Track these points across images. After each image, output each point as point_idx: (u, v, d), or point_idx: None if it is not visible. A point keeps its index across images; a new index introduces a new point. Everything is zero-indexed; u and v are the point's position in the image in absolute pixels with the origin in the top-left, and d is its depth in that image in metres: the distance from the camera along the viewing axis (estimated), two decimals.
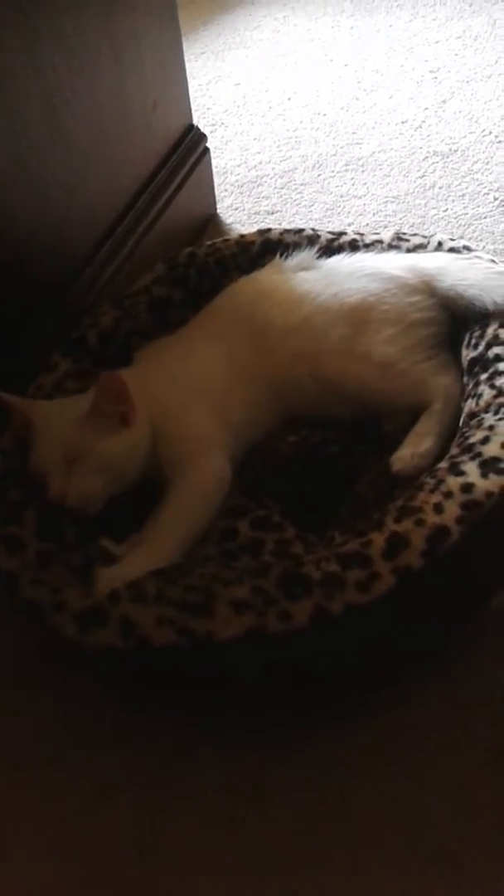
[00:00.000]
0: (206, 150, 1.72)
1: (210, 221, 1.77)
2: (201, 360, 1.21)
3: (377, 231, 1.36)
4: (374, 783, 0.96)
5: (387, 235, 1.33)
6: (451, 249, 1.28)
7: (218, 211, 1.80)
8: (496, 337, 1.14)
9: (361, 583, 0.90)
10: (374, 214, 1.74)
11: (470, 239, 1.65)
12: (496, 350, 1.12)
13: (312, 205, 1.79)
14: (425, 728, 0.99)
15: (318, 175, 1.86)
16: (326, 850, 0.92)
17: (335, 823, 0.94)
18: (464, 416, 1.11)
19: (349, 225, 1.70)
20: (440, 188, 1.78)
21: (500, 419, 1.03)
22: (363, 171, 1.86)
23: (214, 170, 1.79)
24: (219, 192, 1.82)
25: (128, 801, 0.98)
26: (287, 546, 1.08)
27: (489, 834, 0.91)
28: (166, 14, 1.50)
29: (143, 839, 0.95)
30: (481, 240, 1.65)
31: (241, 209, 1.80)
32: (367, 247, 1.32)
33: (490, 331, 1.15)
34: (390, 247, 1.31)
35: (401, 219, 1.72)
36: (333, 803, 0.95)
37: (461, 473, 0.97)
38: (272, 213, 1.78)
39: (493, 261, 1.23)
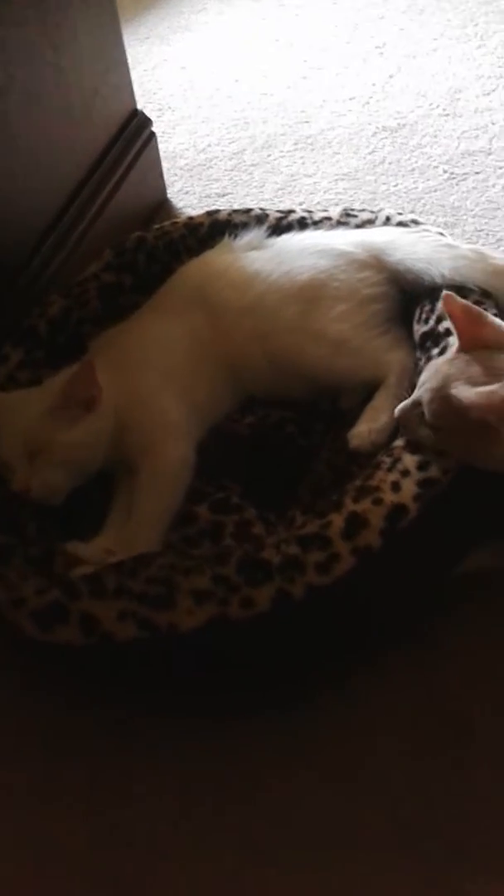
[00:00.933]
0: (153, 135, 1.70)
1: (161, 207, 1.75)
2: (162, 341, 1.20)
3: (326, 208, 1.35)
4: (350, 757, 0.96)
5: (335, 212, 1.33)
6: (400, 223, 1.27)
7: (168, 196, 1.78)
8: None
9: (321, 564, 0.90)
10: (324, 192, 1.73)
11: (421, 213, 1.65)
12: (446, 324, 1.12)
13: (263, 185, 1.77)
14: (400, 697, 0.99)
15: (268, 155, 1.85)
16: (306, 830, 0.92)
17: (309, 800, 0.94)
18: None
19: (300, 204, 1.69)
20: (390, 163, 1.78)
21: None
22: (312, 150, 1.85)
23: (163, 154, 1.77)
24: (168, 176, 1.80)
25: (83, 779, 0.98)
26: (248, 528, 1.08)
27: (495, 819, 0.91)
28: (104, 0, 1.48)
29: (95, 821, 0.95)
30: (432, 213, 1.64)
31: (191, 193, 1.78)
32: (316, 224, 1.31)
33: (439, 305, 1.15)
34: (339, 223, 1.31)
35: (352, 196, 1.71)
36: (311, 782, 0.95)
37: (418, 452, 0.97)
38: (223, 196, 1.76)
39: (441, 233, 1.23)
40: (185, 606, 0.90)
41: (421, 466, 0.95)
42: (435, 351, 1.11)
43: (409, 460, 0.96)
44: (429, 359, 1.12)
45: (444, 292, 1.01)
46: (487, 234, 1.59)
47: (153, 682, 1.01)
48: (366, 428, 1.11)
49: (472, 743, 0.96)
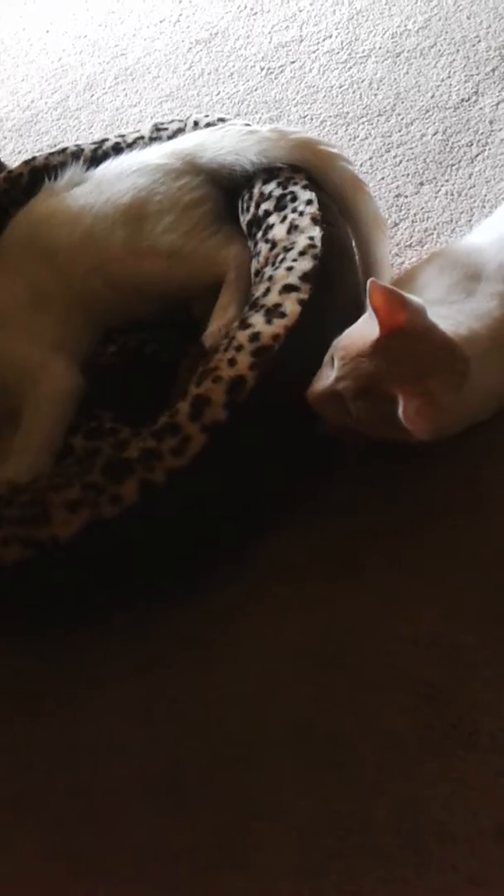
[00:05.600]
0: None
1: None
2: (6, 299, 1.22)
3: (137, 129, 1.37)
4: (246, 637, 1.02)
5: (146, 129, 1.35)
6: (208, 125, 1.30)
7: (2, 159, 1.77)
8: (262, 194, 1.17)
9: (175, 448, 0.95)
10: (152, 118, 1.74)
11: (246, 114, 1.67)
12: (264, 206, 1.16)
13: (91, 126, 1.78)
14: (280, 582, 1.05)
15: (91, 96, 1.85)
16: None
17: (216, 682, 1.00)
18: (252, 277, 1.15)
19: None
20: (209, 74, 1.79)
21: (276, 268, 1.07)
22: (133, 80, 1.85)
23: None
24: None
25: None
26: (125, 448, 1.12)
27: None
28: None
29: None
30: (257, 111, 1.66)
31: (24, 151, 1.78)
32: (131, 146, 1.33)
33: (256, 190, 1.18)
34: (151, 140, 1.33)
35: (178, 114, 1.71)
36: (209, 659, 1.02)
37: (248, 326, 1.02)
38: (55, 146, 1.76)
39: (246, 125, 1.25)
40: (60, 518, 0.95)
41: (252, 338, 0.99)
42: (259, 235, 1.14)
43: (241, 336, 1.00)
44: (255, 244, 1.16)
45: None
46: (312, 119, 1.61)
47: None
48: (216, 326, 1.15)
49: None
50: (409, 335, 0.91)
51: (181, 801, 0.93)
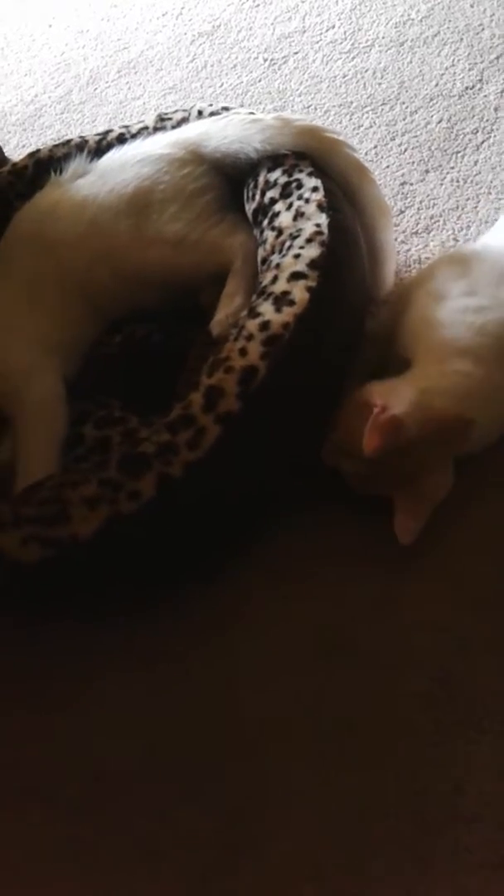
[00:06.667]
0: None
1: (2, 167, 1.75)
2: (4, 297, 1.22)
3: (142, 120, 1.37)
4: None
5: (150, 120, 1.34)
6: (212, 114, 1.30)
7: (7, 154, 1.77)
8: (267, 182, 1.17)
9: (191, 441, 0.95)
10: (155, 110, 1.72)
11: (250, 104, 1.66)
12: (270, 194, 1.15)
13: (95, 119, 1.78)
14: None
15: (95, 89, 1.85)
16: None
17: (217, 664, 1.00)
18: (259, 265, 1.15)
19: None
20: (212, 66, 1.78)
21: (283, 256, 1.06)
22: (136, 73, 1.85)
23: None
24: (2, 135, 1.80)
25: None
26: (133, 435, 1.12)
27: None
28: None
29: None
30: (260, 102, 1.66)
31: (28, 146, 1.78)
32: (135, 136, 1.33)
33: (261, 179, 1.18)
34: (156, 130, 1.33)
35: (182, 106, 1.71)
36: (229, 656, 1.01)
37: (258, 315, 1.01)
38: (59, 140, 1.76)
39: (250, 113, 1.25)
40: (79, 516, 0.94)
41: (262, 327, 0.98)
42: (265, 223, 1.14)
43: (252, 325, 0.99)
44: (262, 232, 1.15)
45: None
46: (315, 108, 1.61)
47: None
48: (223, 315, 1.15)
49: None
50: (410, 443, 0.95)
51: (192, 789, 0.93)
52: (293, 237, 1.07)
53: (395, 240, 1.31)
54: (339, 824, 0.88)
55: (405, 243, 1.34)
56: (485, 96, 1.50)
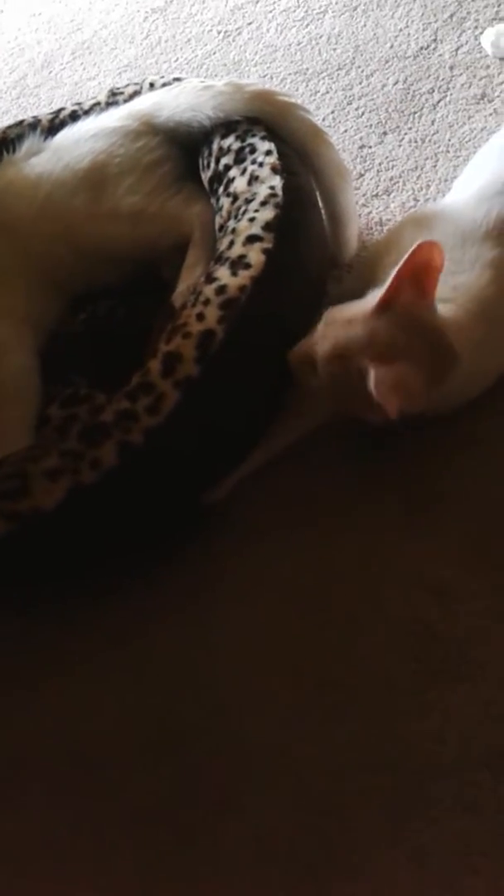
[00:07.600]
0: None
1: None
2: None
3: (94, 96, 1.35)
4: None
5: (102, 96, 1.33)
6: (164, 85, 1.29)
7: None
8: (220, 149, 1.16)
9: (150, 407, 0.94)
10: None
11: (206, 77, 1.64)
12: (224, 161, 1.15)
13: (52, 102, 1.76)
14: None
15: (49, 73, 1.83)
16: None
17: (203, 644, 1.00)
18: (216, 232, 1.14)
19: None
20: (166, 41, 1.77)
21: (238, 220, 1.06)
22: (90, 53, 1.83)
23: None
24: None
25: None
26: (100, 412, 1.11)
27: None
28: None
29: None
30: (216, 75, 1.65)
31: None
32: (87, 113, 1.32)
33: (215, 146, 1.17)
34: (108, 105, 1.32)
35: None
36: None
37: (214, 280, 1.01)
38: None
39: (202, 81, 1.24)
40: (41, 488, 0.94)
41: (219, 291, 0.98)
42: (220, 190, 1.13)
43: (208, 290, 0.99)
44: (217, 199, 1.14)
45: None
46: (272, 78, 1.60)
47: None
48: (185, 286, 1.14)
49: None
50: (405, 317, 0.90)
51: (179, 752, 0.93)
52: (248, 201, 1.06)
53: (357, 203, 1.30)
54: (323, 780, 0.88)
55: (366, 206, 1.33)
56: (439, 55, 1.49)
